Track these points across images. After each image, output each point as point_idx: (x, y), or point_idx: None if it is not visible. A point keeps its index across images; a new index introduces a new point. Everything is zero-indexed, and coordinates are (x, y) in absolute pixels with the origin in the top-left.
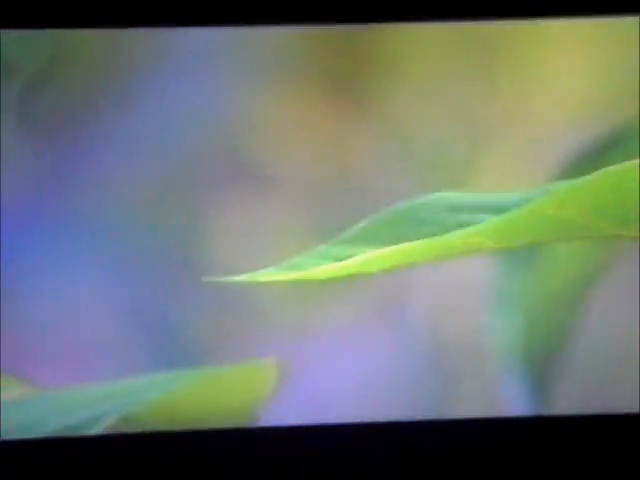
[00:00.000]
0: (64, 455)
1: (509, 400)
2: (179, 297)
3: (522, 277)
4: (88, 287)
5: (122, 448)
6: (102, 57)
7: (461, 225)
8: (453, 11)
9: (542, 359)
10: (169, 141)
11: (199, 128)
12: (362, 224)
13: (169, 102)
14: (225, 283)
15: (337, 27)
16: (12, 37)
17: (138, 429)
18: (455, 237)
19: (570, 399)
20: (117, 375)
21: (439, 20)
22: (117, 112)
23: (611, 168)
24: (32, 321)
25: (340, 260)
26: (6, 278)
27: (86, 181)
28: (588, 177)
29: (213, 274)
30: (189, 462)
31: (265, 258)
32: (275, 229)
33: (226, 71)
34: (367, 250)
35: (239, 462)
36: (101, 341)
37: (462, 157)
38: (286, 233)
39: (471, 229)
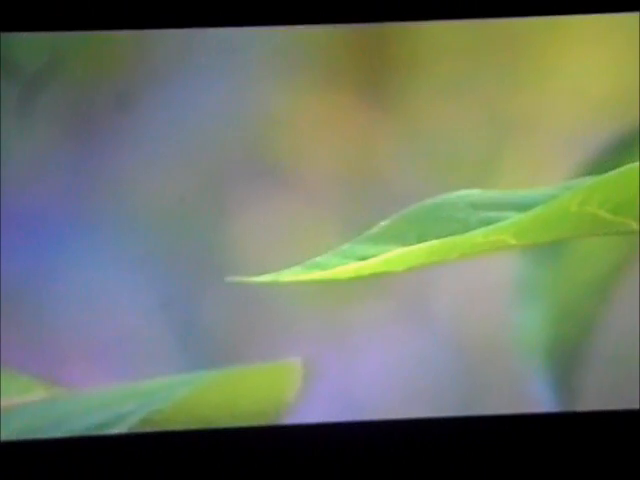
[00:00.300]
0: (89, 454)
1: (535, 396)
2: (205, 296)
3: (546, 273)
4: (115, 286)
5: (147, 447)
6: (125, 59)
7: (484, 223)
8: (474, 8)
9: (567, 354)
10: (194, 140)
11: (223, 127)
12: (385, 223)
13: (194, 102)
14: (250, 283)
15: (359, 26)
16: (11, 37)
17: (163, 428)
18: (478, 235)
19: (596, 394)
20: (143, 375)
21: (460, 18)
22: (144, 112)
23: (635, 164)
24: (59, 321)
25: (363, 259)
26: (34, 278)
27: (114, 181)
28: (611, 173)
29: (238, 273)
30: (213, 461)
31: (289, 257)
32: (299, 228)
33: (250, 70)
34: (390, 249)
35: (264, 460)
36: (128, 341)
37: (484, 155)
38: (310, 232)
39: (494, 227)
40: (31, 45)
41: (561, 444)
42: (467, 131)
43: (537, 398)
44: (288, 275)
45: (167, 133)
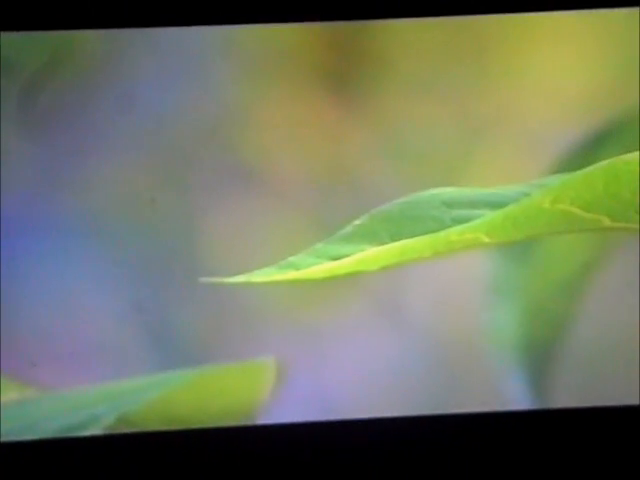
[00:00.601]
0: (63, 456)
1: (509, 394)
2: (178, 297)
3: (519, 270)
4: (87, 289)
5: (120, 448)
6: (98, 58)
7: (457, 221)
8: (444, 6)
9: (541, 352)
10: (165, 141)
11: (192, 127)
12: (358, 222)
13: (161, 101)
14: (222, 284)
15: (329, 24)
16: (11, 37)
17: (136, 429)
18: (452, 233)
19: (570, 392)
20: (117, 376)
21: (430, 15)
22: (113, 113)
23: (605, 161)
24: (33, 323)
25: (336, 258)
26: (6, 280)
27: (84, 182)
28: (583, 170)
29: (210, 274)
30: (188, 461)
31: (262, 257)
32: (271, 228)
33: (219, 70)
34: (363, 248)
35: (238, 461)
36: (101, 342)
37: (456, 153)
38: (282, 232)
39: (467, 225)
40: (30, 45)
41: (535, 442)
42: (438, 129)
43: (511, 396)
44: (261, 275)
45: (135, 134)
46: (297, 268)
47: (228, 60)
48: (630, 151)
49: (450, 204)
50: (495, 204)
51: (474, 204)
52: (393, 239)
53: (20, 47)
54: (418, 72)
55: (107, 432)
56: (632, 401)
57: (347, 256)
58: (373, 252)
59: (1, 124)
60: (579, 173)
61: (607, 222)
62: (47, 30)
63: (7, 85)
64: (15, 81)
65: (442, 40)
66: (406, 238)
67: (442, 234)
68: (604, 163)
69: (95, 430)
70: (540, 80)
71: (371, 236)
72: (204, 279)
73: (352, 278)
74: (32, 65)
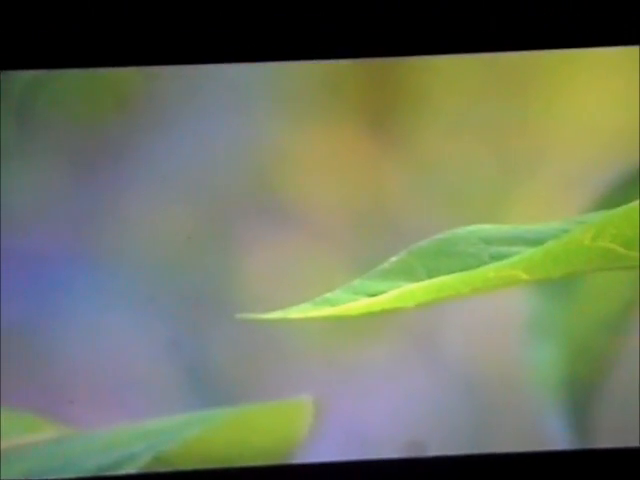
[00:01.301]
0: None
1: (549, 434)
2: (213, 335)
3: (558, 309)
4: (124, 326)
5: None
6: (140, 95)
7: (495, 257)
8: (482, 43)
9: (581, 391)
10: (202, 176)
11: (229, 163)
12: (395, 258)
13: (199, 138)
14: (258, 320)
15: (367, 60)
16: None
17: (173, 468)
18: (489, 270)
19: (611, 432)
20: (153, 414)
21: (469, 52)
22: (151, 148)
23: None
24: (69, 360)
25: (373, 295)
26: (43, 316)
27: (120, 218)
28: (625, 207)
29: (247, 311)
30: None
31: (299, 294)
32: (308, 265)
33: (256, 105)
34: (400, 284)
35: None
36: (137, 380)
37: (494, 190)
38: (319, 269)
39: (505, 262)
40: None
41: None
42: (475, 166)
43: (551, 436)
44: (297, 312)
45: (173, 171)
46: (333, 304)
47: (267, 97)
48: None
49: (488, 241)
50: (534, 241)
51: (512, 241)
52: (430, 275)
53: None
54: (457, 109)
55: (143, 471)
56: None
57: (384, 292)
58: (410, 289)
59: (1, 163)
60: (620, 209)
61: None
62: (93, 67)
63: (50, 122)
64: (56, 121)
65: (481, 77)
66: (443, 275)
67: (480, 271)
68: None
69: (131, 469)
70: (580, 117)
71: (408, 272)
72: (241, 315)
73: (389, 315)
74: (67, 105)
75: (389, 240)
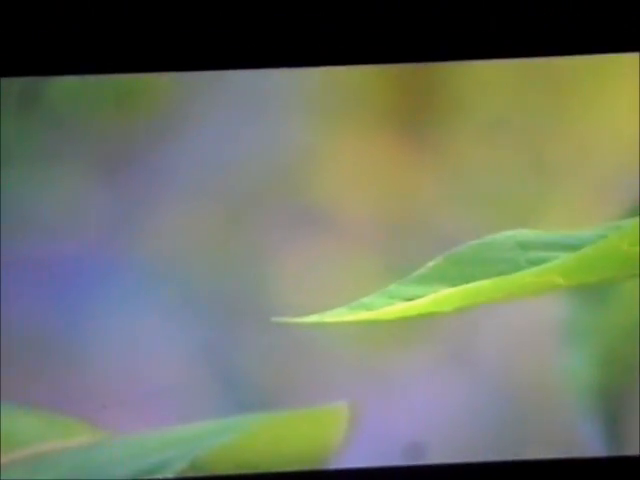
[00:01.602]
0: None
1: (582, 440)
2: (248, 339)
3: (595, 314)
4: (158, 331)
5: None
6: (169, 101)
7: (531, 263)
8: (518, 48)
9: (616, 398)
10: (233, 182)
11: (263, 168)
12: (432, 263)
13: (233, 146)
14: (294, 324)
15: (401, 65)
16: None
17: (207, 474)
18: (526, 275)
19: None
20: (187, 419)
21: (504, 57)
22: (182, 153)
23: None
24: (103, 365)
25: (409, 299)
26: (78, 321)
27: (153, 223)
28: None
29: (282, 314)
30: None
31: (332, 299)
32: (341, 270)
33: (290, 112)
34: (437, 289)
35: None
36: (171, 385)
37: (529, 195)
38: (353, 274)
39: (542, 267)
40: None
41: None
42: (510, 170)
43: (585, 442)
44: (333, 316)
45: (204, 175)
46: (369, 309)
47: (299, 102)
48: None
49: (525, 246)
50: (571, 246)
51: (549, 246)
52: (466, 281)
53: (88, 94)
54: (491, 114)
55: (178, 476)
56: None
57: (420, 297)
58: (446, 293)
59: (30, 167)
60: None
61: None
62: (120, 73)
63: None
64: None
65: (516, 82)
66: (479, 280)
67: (516, 276)
68: None
69: (166, 474)
70: (616, 121)
71: (444, 278)
72: (276, 319)
73: (424, 320)
74: (99, 110)
75: (422, 245)
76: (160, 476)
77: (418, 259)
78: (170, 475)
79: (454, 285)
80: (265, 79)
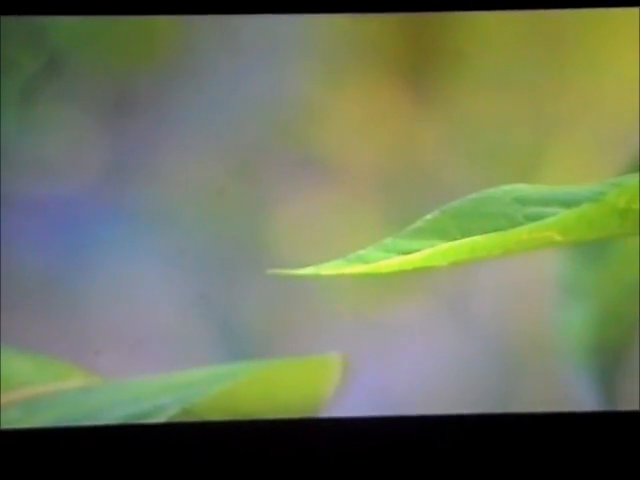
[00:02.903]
0: (126, 443)
1: (577, 395)
2: (244, 289)
3: (590, 272)
4: (154, 277)
5: (185, 437)
6: (173, 46)
7: (529, 218)
8: (522, 0)
9: (611, 354)
10: (235, 132)
11: (263, 118)
12: (428, 217)
13: (236, 92)
14: (290, 276)
15: (403, 15)
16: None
17: (200, 420)
18: (523, 231)
19: (637, 394)
20: (181, 366)
21: (506, 8)
22: (183, 102)
23: None
24: (98, 310)
25: (406, 253)
26: (73, 267)
27: (153, 171)
28: None
29: (278, 265)
30: (251, 452)
31: (330, 250)
32: (341, 221)
33: (291, 59)
34: (434, 243)
35: (301, 453)
36: (166, 331)
37: (530, 148)
38: (352, 225)
39: (540, 223)
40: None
41: (602, 443)
42: (512, 124)
43: (578, 397)
44: (330, 268)
45: (206, 123)
46: (366, 262)
47: (302, 52)
48: None
49: (523, 201)
50: (569, 202)
51: (547, 202)
52: (464, 235)
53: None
54: (494, 66)
55: (171, 421)
56: None
57: (416, 251)
58: (443, 248)
59: (37, 114)
60: None
61: None
62: (126, 15)
63: (77, 74)
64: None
65: (519, 34)
66: (477, 235)
67: (514, 232)
68: None
69: (160, 420)
70: (618, 76)
71: (441, 232)
72: (272, 271)
73: (420, 274)
74: (104, 55)
75: (422, 197)
76: (153, 421)
77: (418, 211)
78: (163, 420)
79: (451, 239)
80: (270, 26)
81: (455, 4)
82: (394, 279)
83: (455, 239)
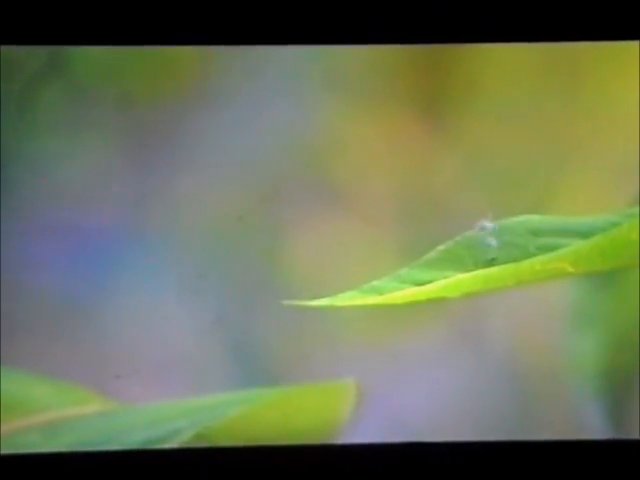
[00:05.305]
0: (143, 468)
1: (588, 423)
2: (260, 315)
3: (604, 298)
4: (171, 303)
5: (199, 463)
6: (194, 75)
7: (542, 249)
8: (537, 32)
9: (621, 383)
10: (254, 160)
11: (283, 145)
12: (442, 247)
13: (255, 122)
14: (305, 307)
15: (419, 46)
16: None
17: (215, 445)
18: (536, 263)
19: None
20: (198, 391)
21: (522, 41)
22: (203, 128)
23: None
24: (116, 337)
25: (420, 284)
26: (92, 292)
27: (172, 197)
28: None
29: (294, 293)
30: (265, 478)
31: (345, 278)
32: (355, 249)
33: (310, 90)
34: (447, 274)
35: (317, 478)
36: (183, 357)
37: (543, 179)
38: (366, 253)
39: (552, 255)
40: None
41: (612, 472)
42: (526, 154)
43: (590, 425)
44: (344, 300)
45: (225, 151)
46: (380, 293)
47: (320, 81)
48: None
49: (536, 232)
50: (582, 233)
51: (561, 233)
52: (477, 266)
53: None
54: (508, 97)
55: (186, 446)
56: None
57: (430, 282)
58: (456, 279)
59: (58, 142)
60: None
61: None
62: (150, 45)
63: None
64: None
65: (533, 66)
66: (489, 266)
67: (526, 263)
68: None
69: (174, 444)
70: (631, 108)
71: (455, 262)
72: (288, 302)
73: (435, 304)
74: (130, 85)
75: (437, 227)
76: (169, 445)
77: (432, 240)
78: (178, 445)
79: (465, 270)
80: (289, 56)
81: (470, 36)
82: (409, 306)
83: (469, 269)
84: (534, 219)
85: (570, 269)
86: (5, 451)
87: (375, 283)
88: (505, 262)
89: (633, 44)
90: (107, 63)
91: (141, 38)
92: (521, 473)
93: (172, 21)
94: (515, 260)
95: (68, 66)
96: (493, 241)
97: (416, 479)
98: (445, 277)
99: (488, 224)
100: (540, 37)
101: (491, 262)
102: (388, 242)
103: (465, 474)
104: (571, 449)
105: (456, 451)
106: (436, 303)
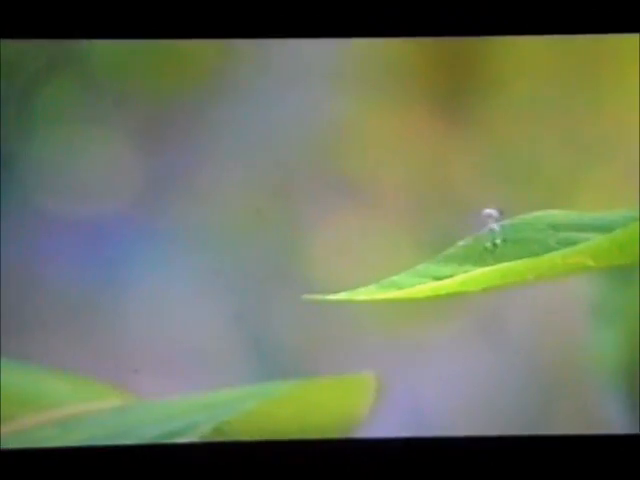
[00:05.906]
0: (160, 462)
1: (608, 417)
2: (278, 308)
3: (624, 293)
4: (189, 298)
5: (217, 456)
6: (200, 69)
7: (562, 244)
8: (557, 24)
9: None
10: (270, 153)
11: (301, 140)
12: (462, 242)
13: (271, 115)
14: (324, 301)
15: (438, 39)
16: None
17: (233, 439)
18: (556, 257)
19: None
20: (216, 385)
21: (542, 34)
22: (218, 124)
23: None
24: (135, 330)
25: (440, 279)
26: (110, 286)
27: (187, 194)
28: None
29: (312, 286)
30: (283, 472)
31: (364, 271)
32: (374, 242)
33: (327, 84)
34: (467, 269)
35: (335, 474)
36: (201, 351)
37: (563, 174)
38: (384, 246)
39: (572, 249)
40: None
41: (635, 466)
42: (546, 148)
43: (611, 420)
44: (363, 294)
45: (242, 145)
46: (400, 287)
47: (337, 75)
48: None
49: (556, 227)
50: (602, 228)
51: (581, 227)
52: (497, 261)
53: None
54: (528, 91)
55: (203, 441)
56: None
57: (450, 277)
58: (476, 274)
59: (73, 135)
60: None
61: None
62: (166, 39)
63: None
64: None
65: (554, 59)
66: (510, 260)
67: (546, 258)
68: None
69: (192, 438)
70: None
71: (475, 257)
72: (307, 296)
73: (455, 298)
74: (137, 78)
75: (456, 221)
76: (186, 439)
77: (450, 235)
78: (196, 439)
79: (484, 265)
80: (307, 50)
81: (490, 29)
82: (428, 300)
83: (488, 264)
84: (554, 214)
85: (590, 263)
86: (22, 445)
87: (394, 278)
88: (524, 256)
89: None
90: (122, 57)
91: (156, 32)
92: (541, 467)
93: (186, 14)
94: (535, 254)
95: (83, 59)
96: (496, 226)
97: (436, 473)
98: (465, 272)
99: (493, 211)
100: (561, 29)
101: (494, 248)
102: (406, 236)
103: (485, 469)
104: (591, 444)
105: (476, 445)
106: (456, 297)
